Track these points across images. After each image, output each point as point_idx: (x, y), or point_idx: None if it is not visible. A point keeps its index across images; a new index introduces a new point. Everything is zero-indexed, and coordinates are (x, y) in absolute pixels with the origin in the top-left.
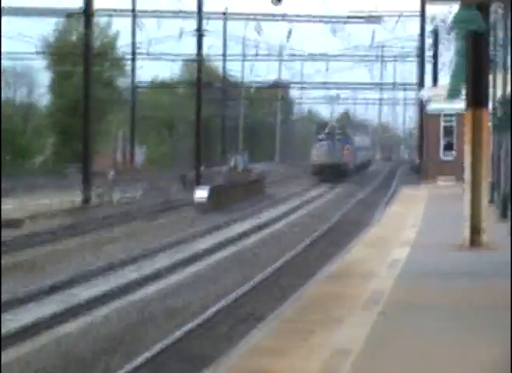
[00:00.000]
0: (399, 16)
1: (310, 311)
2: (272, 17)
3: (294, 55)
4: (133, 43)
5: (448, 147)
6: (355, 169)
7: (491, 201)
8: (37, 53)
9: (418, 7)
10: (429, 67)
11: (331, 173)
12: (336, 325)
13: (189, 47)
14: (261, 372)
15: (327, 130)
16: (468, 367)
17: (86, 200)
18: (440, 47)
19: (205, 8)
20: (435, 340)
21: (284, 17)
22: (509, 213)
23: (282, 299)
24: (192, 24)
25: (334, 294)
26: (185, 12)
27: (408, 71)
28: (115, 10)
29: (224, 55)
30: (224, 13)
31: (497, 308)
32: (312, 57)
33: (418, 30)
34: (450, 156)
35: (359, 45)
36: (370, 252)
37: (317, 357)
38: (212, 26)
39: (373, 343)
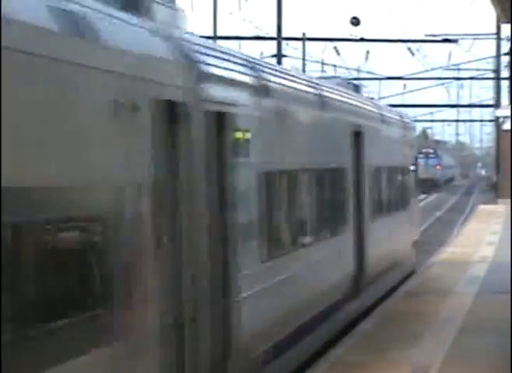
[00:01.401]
0: (475, 38)
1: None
2: (351, 38)
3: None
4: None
5: None
6: (443, 183)
7: None
8: None
9: (494, 28)
10: (505, 86)
11: (427, 185)
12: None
13: None
14: None
15: (424, 151)
16: None
17: None
18: None
19: (284, 33)
20: None
21: (362, 40)
22: None
23: None
24: (273, 47)
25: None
26: (264, 37)
27: (484, 90)
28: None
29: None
30: (302, 38)
31: None
32: (390, 78)
33: (494, 50)
34: None
35: (435, 66)
36: (449, 269)
37: None
38: (292, 50)
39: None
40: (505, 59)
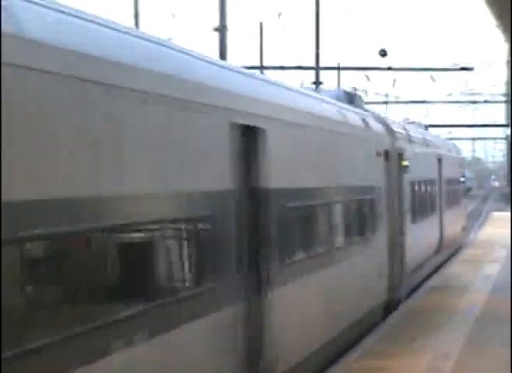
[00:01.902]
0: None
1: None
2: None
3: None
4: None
5: None
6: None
7: None
8: None
9: (505, 55)
10: None
11: None
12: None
13: None
14: None
15: None
16: None
17: None
18: None
19: (321, 63)
20: None
21: (389, 68)
22: None
23: None
24: (311, 76)
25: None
26: (305, 67)
27: (497, 112)
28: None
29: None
30: (337, 68)
31: None
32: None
33: (505, 75)
34: None
35: (454, 91)
36: (466, 268)
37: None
38: (328, 78)
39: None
40: None
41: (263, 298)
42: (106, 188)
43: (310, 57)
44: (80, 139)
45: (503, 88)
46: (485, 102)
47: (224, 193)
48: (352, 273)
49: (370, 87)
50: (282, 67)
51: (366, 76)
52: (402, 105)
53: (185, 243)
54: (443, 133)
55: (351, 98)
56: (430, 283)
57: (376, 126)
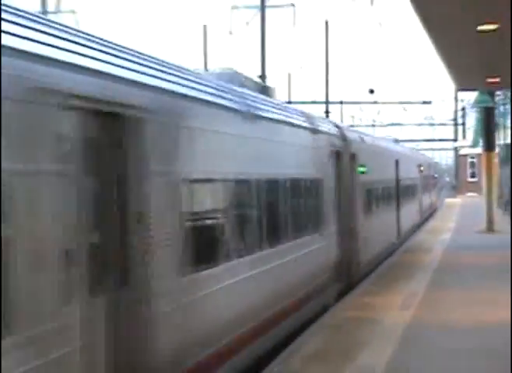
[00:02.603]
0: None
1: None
2: (369, 103)
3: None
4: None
5: (472, 174)
6: None
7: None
8: None
9: (453, 93)
10: (459, 129)
11: None
12: (410, 277)
13: None
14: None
15: None
16: (482, 297)
17: None
18: (466, 117)
19: (330, 98)
20: (468, 283)
21: (375, 102)
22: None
23: None
24: (322, 108)
25: (410, 260)
26: (317, 101)
27: (448, 131)
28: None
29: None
30: (341, 102)
31: (501, 266)
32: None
33: (453, 107)
34: (474, 179)
35: (418, 116)
36: (429, 235)
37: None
38: (334, 109)
39: (432, 288)
40: (459, 113)
41: (399, 208)
42: (382, 177)
43: (320, 92)
44: (385, 168)
45: (452, 115)
46: (440, 124)
47: (394, 179)
48: (417, 207)
49: (363, 115)
50: (303, 102)
51: (360, 108)
52: (384, 127)
53: (391, 196)
54: (412, 145)
55: (397, 141)
56: (405, 246)
57: (417, 154)
